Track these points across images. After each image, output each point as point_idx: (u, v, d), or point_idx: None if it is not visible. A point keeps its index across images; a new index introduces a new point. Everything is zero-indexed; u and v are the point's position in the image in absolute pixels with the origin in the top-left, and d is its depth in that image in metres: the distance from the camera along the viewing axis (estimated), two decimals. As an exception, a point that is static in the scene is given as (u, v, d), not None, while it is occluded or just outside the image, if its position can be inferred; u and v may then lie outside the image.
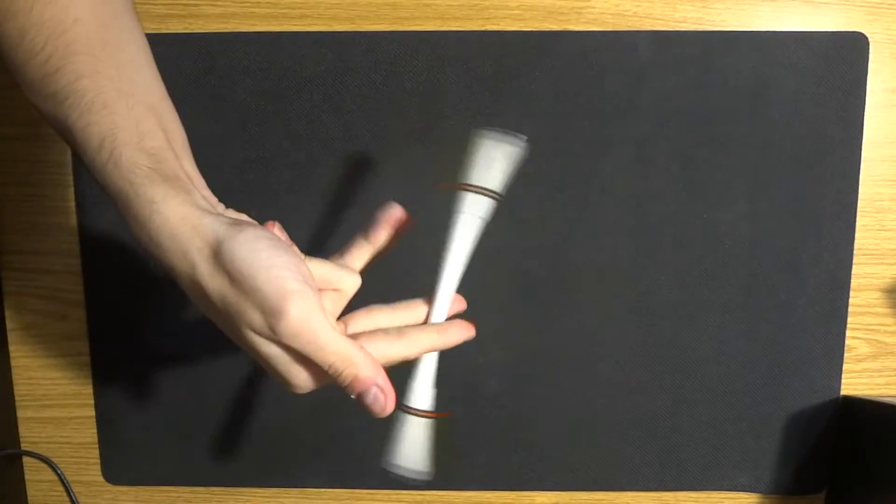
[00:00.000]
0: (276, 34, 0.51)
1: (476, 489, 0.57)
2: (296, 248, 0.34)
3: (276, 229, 0.35)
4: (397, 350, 0.35)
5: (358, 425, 0.55)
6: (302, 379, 0.33)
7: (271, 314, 0.30)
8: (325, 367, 0.32)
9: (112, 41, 0.33)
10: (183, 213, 0.31)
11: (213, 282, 0.31)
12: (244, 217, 0.34)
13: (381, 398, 0.33)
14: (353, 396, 0.33)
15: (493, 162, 0.36)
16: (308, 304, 0.30)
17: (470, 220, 0.38)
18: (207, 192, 0.34)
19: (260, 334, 0.31)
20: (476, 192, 0.37)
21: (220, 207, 0.34)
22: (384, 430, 0.55)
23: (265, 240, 0.31)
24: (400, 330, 0.37)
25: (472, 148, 0.36)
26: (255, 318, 0.30)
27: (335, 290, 0.36)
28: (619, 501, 0.57)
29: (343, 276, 0.37)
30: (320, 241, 0.53)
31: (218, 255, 0.30)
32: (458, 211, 0.37)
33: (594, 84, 0.51)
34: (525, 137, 0.36)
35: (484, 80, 0.51)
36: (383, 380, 0.33)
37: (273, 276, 0.30)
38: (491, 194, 0.37)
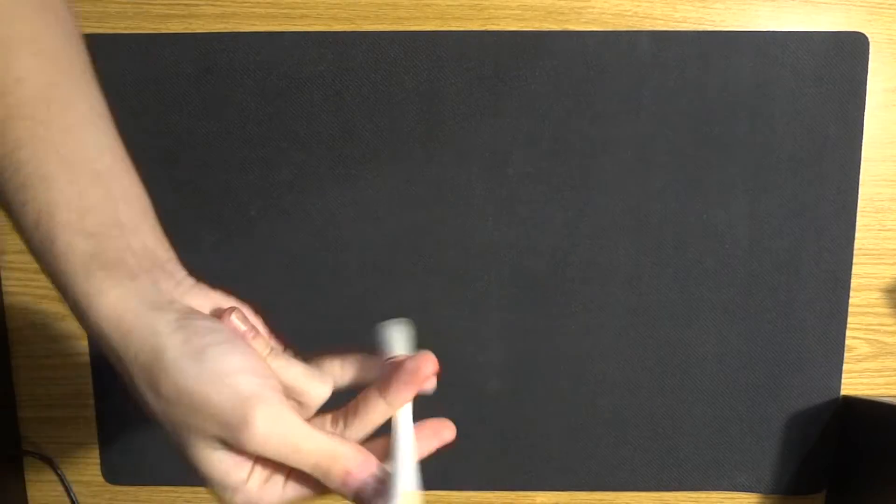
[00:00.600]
0: (276, 34, 0.51)
1: (476, 489, 0.57)
2: (259, 342, 0.30)
3: (235, 317, 0.30)
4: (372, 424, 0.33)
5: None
6: (275, 496, 0.30)
7: (234, 427, 0.27)
8: (309, 470, 0.28)
9: (59, 100, 0.29)
10: (121, 311, 0.27)
11: (152, 399, 0.27)
12: (205, 296, 0.30)
13: (382, 488, 0.29)
14: (350, 498, 0.29)
15: (399, 341, 0.37)
16: (273, 407, 0.27)
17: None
18: (168, 269, 0.30)
19: (219, 448, 0.28)
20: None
21: (182, 287, 0.30)
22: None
23: (214, 342, 0.27)
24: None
25: (380, 337, 0.36)
26: (212, 431, 0.27)
27: (297, 400, 0.31)
28: (619, 501, 0.57)
29: (312, 385, 0.32)
30: (321, 241, 0.53)
31: (156, 372, 0.27)
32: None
33: (594, 84, 0.51)
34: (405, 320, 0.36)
35: (484, 80, 0.51)
36: (378, 467, 0.30)
37: (227, 386, 0.27)
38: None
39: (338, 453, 0.28)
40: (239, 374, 0.27)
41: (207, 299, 0.31)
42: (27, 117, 0.28)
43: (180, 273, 0.30)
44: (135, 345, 0.27)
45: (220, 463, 0.28)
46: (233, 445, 0.27)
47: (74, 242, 0.27)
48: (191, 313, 0.28)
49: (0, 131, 0.27)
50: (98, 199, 0.28)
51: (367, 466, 0.29)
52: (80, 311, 0.28)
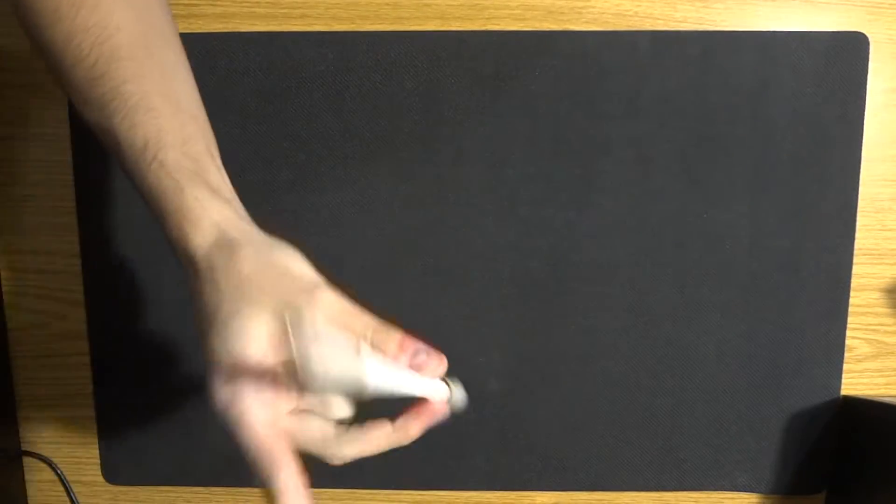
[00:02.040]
0: (276, 34, 0.51)
1: (476, 489, 0.57)
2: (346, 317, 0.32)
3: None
4: (355, 448, 0.34)
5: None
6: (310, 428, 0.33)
7: (308, 290, 0.31)
8: (369, 333, 0.32)
9: (154, 48, 0.33)
10: (224, 220, 0.32)
11: (228, 285, 0.31)
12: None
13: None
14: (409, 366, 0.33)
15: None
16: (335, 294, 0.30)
17: None
18: (243, 211, 0.34)
19: (274, 323, 0.31)
20: None
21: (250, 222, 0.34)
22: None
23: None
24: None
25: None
26: (287, 296, 0.31)
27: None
28: (619, 501, 0.57)
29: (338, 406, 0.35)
30: (321, 241, 0.53)
31: (250, 254, 0.31)
32: None
33: (594, 84, 0.51)
34: None
35: (484, 80, 0.51)
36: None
37: (305, 268, 0.32)
38: None
39: (390, 327, 0.32)
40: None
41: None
42: (130, 58, 0.32)
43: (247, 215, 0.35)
44: (233, 243, 0.31)
45: (268, 339, 0.30)
46: (298, 314, 0.30)
47: (183, 161, 0.32)
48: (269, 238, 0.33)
49: (107, 69, 0.32)
50: (194, 133, 0.33)
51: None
52: (180, 220, 0.31)
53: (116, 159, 0.33)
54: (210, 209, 0.32)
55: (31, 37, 0.33)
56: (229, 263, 0.31)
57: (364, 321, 0.32)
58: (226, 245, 0.31)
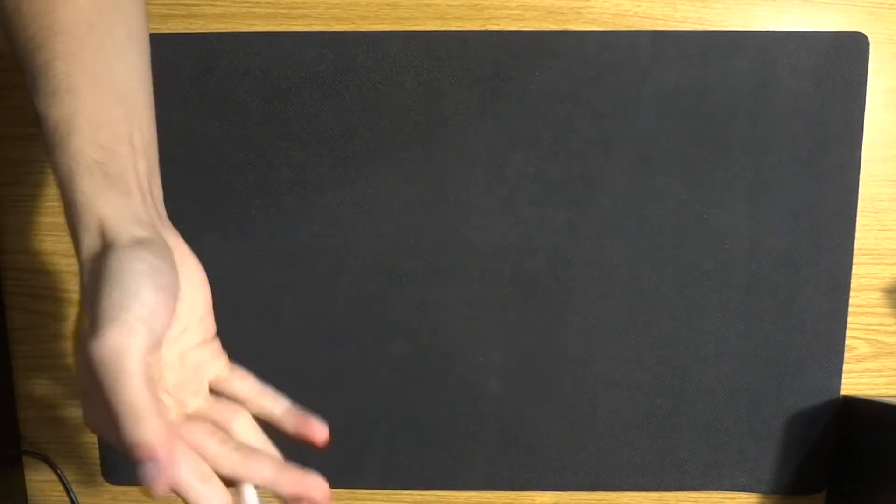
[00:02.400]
0: (276, 34, 0.51)
1: (476, 489, 0.57)
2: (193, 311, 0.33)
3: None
4: (228, 461, 0.32)
5: (358, 424, 0.55)
6: (90, 414, 0.30)
7: (92, 331, 0.27)
8: (113, 416, 0.27)
9: (101, 24, 0.31)
10: (119, 212, 0.30)
11: (85, 269, 0.30)
12: (173, 238, 0.33)
13: (153, 478, 0.27)
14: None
15: None
16: (128, 341, 0.27)
17: None
18: (154, 200, 0.32)
19: (82, 345, 0.28)
20: None
21: (160, 224, 0.32)
22: (386, 430, 0.56)
23: (147, 268, 0.29)
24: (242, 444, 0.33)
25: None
26: (86, 324, 0.28)
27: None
28: (619, 501, 0.57)
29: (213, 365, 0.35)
30: (321, 241, 0.53)
31: (100, 256, 0.29)
32: None
33: (594, 84, 0.51)
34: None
35: (484, 80, 0.51)
36: (168, 455, 0.28)
37: (117, 299, 0.28)
38: None
39: (144, 419, 0.27)
40: (134, 299, 0.28)
41: (178, 242, 0.33)
42: (68, 34, 0.30)
43: (163, 211, 0.33)
44: (113, 244, 0.29)
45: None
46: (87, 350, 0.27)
47: (86, 148, 0.30)
48: (155, 239, 0.31)
49: (43, 42, 0.30)
50: (115, 118, 0.31)
51: (158, 447, 0.27)
52: (73, 210, 0.30)
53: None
54: (99, 205, 0.30)
55: None
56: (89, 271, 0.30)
57: (125, 394, 0.27)
58: (106, 247, 0.29)
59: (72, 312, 0.55)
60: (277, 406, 0.37)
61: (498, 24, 0.51)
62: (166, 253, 0.31)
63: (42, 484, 0.58)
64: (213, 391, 0.36)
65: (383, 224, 0.53)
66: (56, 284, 0.55)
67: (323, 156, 0.52)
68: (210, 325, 0.35)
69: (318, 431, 0.36)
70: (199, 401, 0.35)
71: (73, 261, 0.55)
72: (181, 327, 0.33)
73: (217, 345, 0.36)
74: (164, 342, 0.31)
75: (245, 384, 0.36)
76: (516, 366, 0.54)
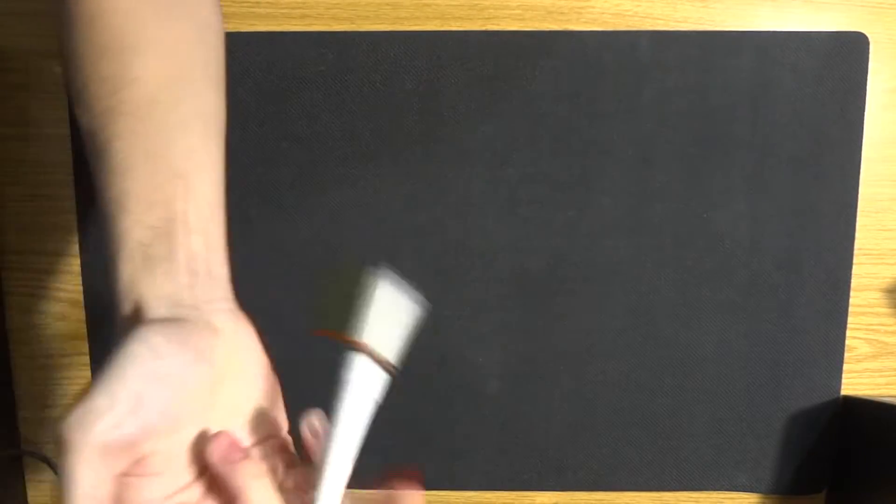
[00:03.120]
0: (276, 34, 0.51)
1: (476, 489, 0.57)
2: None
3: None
4: None
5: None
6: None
7: (79, 415, 0.25)
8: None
9: (166, 102, 0.30)
10: (145, 291, 0.29)
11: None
12: (231, 323, 0.30)
13: None
14: None
15: (397, 322, 0.29)
16: (86, 424, 0.24)
17: (365, 400, 0.29)
18: (214, 279, 0.31)
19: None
20: (377, 362, 0.29)
21: (209, 307, 0.30)
22: (385, 429, 0.55)
23: (146, 352, 0.26)
24: None
25: (371, 295, 0.29)
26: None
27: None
28: (619, 501, 0.57)
29: None
30: (321, 241, 0.53)
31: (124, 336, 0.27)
32: (352, 383, 0.29)
33: (594, 84, 0.51)
34: (422, 297, 0.29)
35: (484, 80, 0.51)
36: None
37: (104, 381, 0.26)
38: (391, 368, 0.29)
39: None
40: (122, 390, 0.25)
41: (239, 327, 0.31)
42: (130, 113, 0.30)
43: (225, 292, 0.31)
44: (129, 320, 0.28)
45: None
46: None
47: (133, 230, 0.29)
48: (185, 323, 0.28)
49: (107, 122, 0.30)
50: (169, 197, 0.29)
51: None
52: (115, 288, 0.29)
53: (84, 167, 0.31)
54: (138, 285, 0.29)
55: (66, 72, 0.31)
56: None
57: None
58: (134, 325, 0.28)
59: (72, 312, 0.55)
60: None
61: (498, 24, 0.51)
62: (192, 338, 0.28)
63: (42, 484, 0.58)
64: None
65: (383, 224, 0.53)
66: (56, 284, 0.55)
67: (323, 156, 0.52)
68: (271, 423, 0.32)
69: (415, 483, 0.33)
70: None
71: (74, 261, 0.55)
72: (219, 419, 0.29)
73: (284, 442, 0.32)
74: (156, 435, 0.27)
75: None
76: (516, 366, 0.54)
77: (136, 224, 0.29)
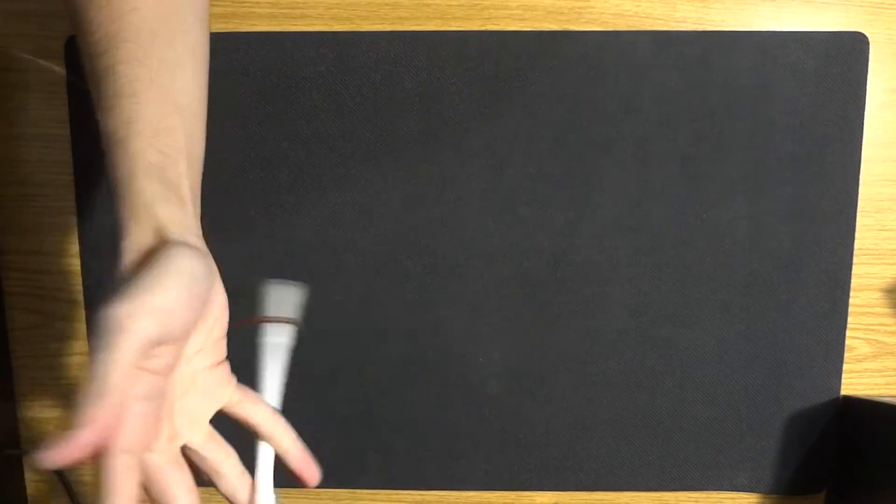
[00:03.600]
0: (276, 34, 0.51)
1: (476, 489, 0.57)
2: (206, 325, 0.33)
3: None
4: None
5: (358, 424, 0.55)
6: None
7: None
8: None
9: (163, 34, 0.32)
10: (165, 222, 0.31)
11: (128, 257, 0.31)
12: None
13: (56, 458, 0.26)
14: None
15: (285, 298, 0.38)
16: (130, 322, 0.27)
17: (277, 346, 0.37)
18: (196, 218, 0.33)
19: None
20: (276, 322, 0.37)
21: (199, 237, 0.33)
22: (386, 430, 0.56)
23: (189, 270, 0.30)
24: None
25: (264, 293, 0.37)
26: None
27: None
28: (619, 501, 0.57)
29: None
30: (321, 241, 0.53)
31: (153, 250, 0.30)
32: (264, 340, 0.37)
33: (594, 84, 0.51)
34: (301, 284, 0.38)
35: (484, 80, 0.51)
36: (93, 440, 0.27)
37: (145, 283, 0.28)
38: (290, 320, 0.38)
39: (102, 403, 0.26)
40: (160, 298, 0.28)
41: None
42: (132, 40, 0.31)
43: (199, 228, 0.34)
44: (147, 240, 0.31)
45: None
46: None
47: (146, 151, 0.31)
48: (206, 253, 0.32)
49: (109, 46, 0.31)
50: (172, 126, 0.32)
51: (88, 433, 0.26)
52: (128, 206, 0.31)
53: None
54: (157, 208, 0.31)
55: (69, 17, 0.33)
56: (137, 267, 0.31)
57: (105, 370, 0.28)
58: (161, 244, 0.31)
59: (72, 312, 0.55)
60: (286, 437, 0.37)
61: (498, 24, 0.51)
62: (212, 268, 0.33)
63: (42, 484, 0.58)
64: (226, 414, 0.36)
65: (383, 224, 0.53)
66: (56, 284, 0.55)
67: (323, 156, 0.52)
68: (223, 349, 0.35)
69: (312, 476, 0.37)
70: (197, 435, 0.35)
71: (74, 261, 0.55)
72: (197, 346, 0.33)
73: (227, 369, 0.36)
74: (181, 355, 0.31)
75: (258, 409, 0.36)
76: (516, 366, 0.54)
77: (148, 146, 0.31)
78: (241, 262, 0.53)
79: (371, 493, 0.57)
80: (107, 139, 0.31)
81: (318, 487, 0.57)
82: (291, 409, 0.55)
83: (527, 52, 0.51)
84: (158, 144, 0.31)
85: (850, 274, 0.53)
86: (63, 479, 0.57)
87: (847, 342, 0.54)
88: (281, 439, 0.37)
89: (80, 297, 0.55)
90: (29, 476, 0.58)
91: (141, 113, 0.31)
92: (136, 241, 0.31)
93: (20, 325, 0.55)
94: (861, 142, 0.52)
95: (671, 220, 0.53)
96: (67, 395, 0.56)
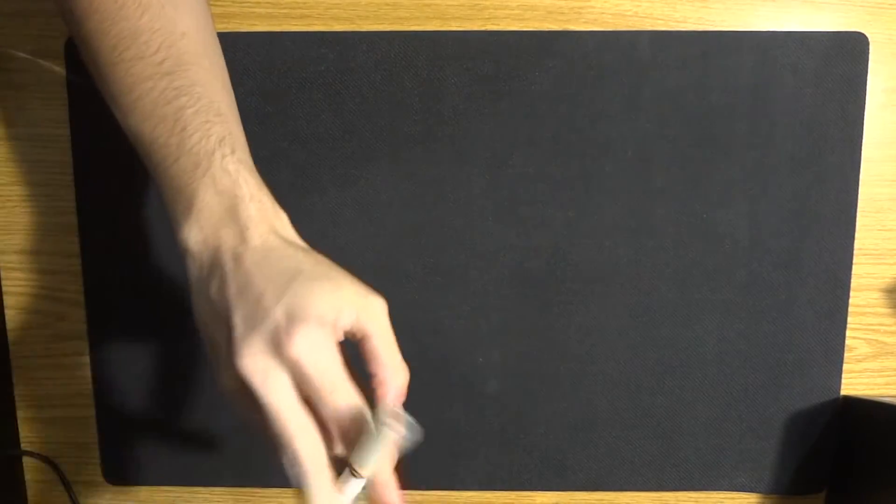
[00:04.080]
0: (276, 34, 0.51)
1: (476, 489, 0.57)
2: None
3: None
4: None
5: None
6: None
7: (290, 318, 0.31)
8: (329, 413, 0.33)
9: (211, 58, 0.36)
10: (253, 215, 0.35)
11: (231, 268, 0.33)
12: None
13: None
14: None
15: (380, 448, 0.35)
16: (321, 336, 0.32)
17: (392, 434, 0.36)
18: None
19: (254, 341, 0.32)
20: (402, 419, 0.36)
21: None
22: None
23: (334, 291, 0.35)
24: None
25: (373, 431, 0.35)
26: (261, 314, 0.31)
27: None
28: (619, 501, 0.57)
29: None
30: (321, 241, 0.53)
31: (258, 250, 0.34)
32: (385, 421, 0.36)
33: (594, 84, 0.51)
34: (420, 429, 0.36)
35: (484, 80, 0.51)
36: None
37: (329, 288, 0.34)
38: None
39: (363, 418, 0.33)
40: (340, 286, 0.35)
41: None
42: (196, 64, 0.35)
43: None
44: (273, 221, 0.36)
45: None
46: (270, 342, 0.32)
47: (247, 162, 0.35)
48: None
49: (176, 69, 0.34)
50: (244, 140, 0.37)
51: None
52: (219, 199, 0.34)
53: (146, 149, 0.34)
54: (245, 214, 0.35)
55: (82, 28, 0.34)
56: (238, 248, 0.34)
57: (338, 395, 0.34)
58: (262, 243, 0.35)
59: (72, 312, 0.55)
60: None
61: (498, 24, 0.51)
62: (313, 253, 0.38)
63: (42, 484, 0.58)
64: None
65: (383, 224, 0.53)
66: (56, 284, 0.55)
67: (323, 156, 0.52)
68: None
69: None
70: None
71: (74, 261, 0.55)
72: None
73: None
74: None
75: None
76: (516, 366, 0.54)
77: (247, 159, 0.36)
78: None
79: (371, 493, 0.57)
80: (198, 150, 0.34)
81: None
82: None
83: (527, 52, 0.51)
84: (249, 160, 0.36)
85: (850, 274, 0.53)
86: (63, 479, 0.57)
87: (847, 342, 0.54)
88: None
89: (80, 297, 0.55)
90: (29, 476, 0.58)
91: (234, 131, 0.35)
92: (225, 245, 0.34)
93: (20, 325, 0.55)
94: (861, 142, 0.52)
95: (671, 220, 0.53)
96: (67, 395, 0.56)
